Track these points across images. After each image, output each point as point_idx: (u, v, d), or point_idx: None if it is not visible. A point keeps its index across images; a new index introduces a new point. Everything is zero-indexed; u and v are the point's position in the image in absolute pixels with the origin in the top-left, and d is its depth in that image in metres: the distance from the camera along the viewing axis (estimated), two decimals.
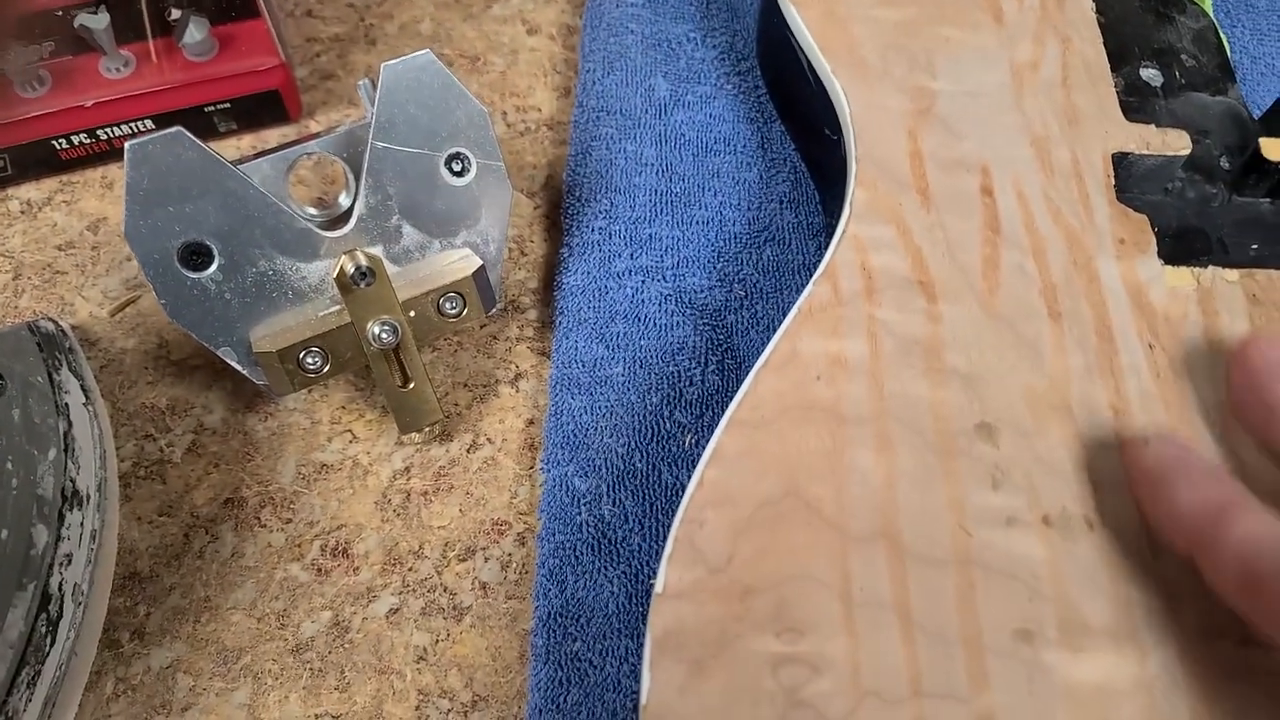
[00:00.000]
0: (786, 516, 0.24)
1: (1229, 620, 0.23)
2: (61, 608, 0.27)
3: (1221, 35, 0.37)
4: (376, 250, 0.30)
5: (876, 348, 0.27)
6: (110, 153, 0.37)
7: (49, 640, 0.27)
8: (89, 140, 0.36)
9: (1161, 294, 0.29)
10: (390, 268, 0.30)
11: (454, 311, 0.30)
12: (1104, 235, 0.30)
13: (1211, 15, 0.38)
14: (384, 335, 0.29)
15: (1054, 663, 0.23)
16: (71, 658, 0.27)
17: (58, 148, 0.36)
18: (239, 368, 0.29)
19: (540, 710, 0.27)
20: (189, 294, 0.28)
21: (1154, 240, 0.30)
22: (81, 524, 0.28)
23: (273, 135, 0.39)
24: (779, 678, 0.22)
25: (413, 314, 0.30)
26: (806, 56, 0.34)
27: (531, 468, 0.32)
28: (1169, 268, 0.30)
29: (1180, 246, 0.30)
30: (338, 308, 0.29)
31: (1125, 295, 0.29)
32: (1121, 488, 0.25)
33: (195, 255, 0.27)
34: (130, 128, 0.36)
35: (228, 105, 0.37)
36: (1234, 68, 0.36)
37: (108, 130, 0.36)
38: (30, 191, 0.37)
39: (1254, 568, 0.20)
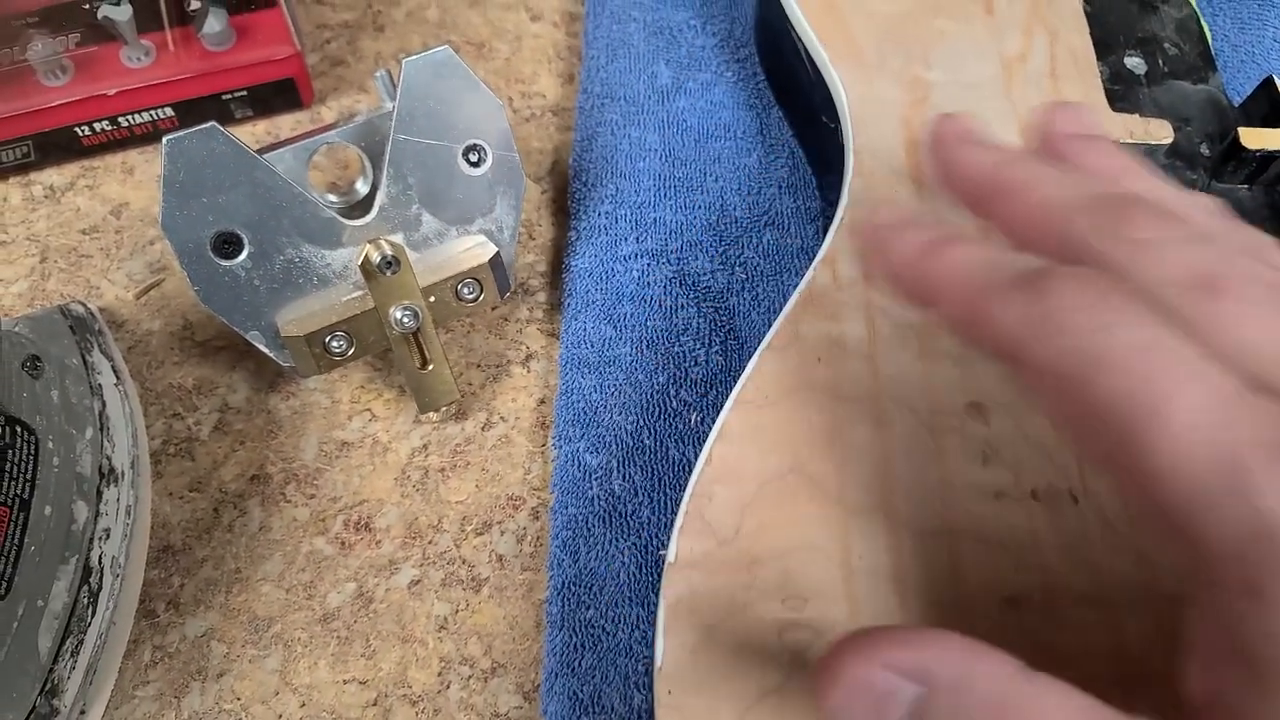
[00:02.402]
0: (790, 491, 0.26)
1: None
2: (101, 580, 0.28)
3: (1203, 23, 0.39)
4: (398, 238, 0.31)
5: (874, 331, 0.29)
6: (131, 139, 0.38)
7: (90, 611, 0.28)
8: (110, 127, 0.37)
9: None
10: (410, 254, 0.31)
11: (471, 296, 0.32)
12: None
13: (1194, 4, 0.39)
14: (406, 320, 0.30)
15: (1039, 628, 0.24)
16: (111, 627, 0.29)
17: (80, 134, 0.37)
18: (267, 351, 0.31)
19: (556, 674, 0.29)
20: (221, 281, 0.29)
21: None
22: (118, 500, 0.30)
23: (286, 121, 0.40)
24: (785, 641, 0.24)
25: (432, 299, 0.31)
26: (805, 47, 0.36)
27: (543, 445, 0.34)
28: None
29: None
30: (360, 293, 0.31)
31: None
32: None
33: (227, 244, 0.28)
34: (150, 115, 0.37)
35: (244, 93, 0.38)
36: (1215, 56, 0.38)
37: (129, 118, 0.37)
38: (53, 177, 0.38)
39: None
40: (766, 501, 0.26)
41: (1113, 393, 0.18)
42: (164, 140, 0.26)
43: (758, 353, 0.28)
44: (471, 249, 0.32)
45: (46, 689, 0.27)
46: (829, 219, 0.32)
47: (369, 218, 0.30)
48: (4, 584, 0.26)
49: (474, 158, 0.31)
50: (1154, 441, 0.17)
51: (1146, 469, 0.17)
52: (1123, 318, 0.18)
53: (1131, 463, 0.17)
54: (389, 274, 0.29)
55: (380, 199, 0.30)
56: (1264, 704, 0.16)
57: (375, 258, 0.29)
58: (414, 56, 0.29)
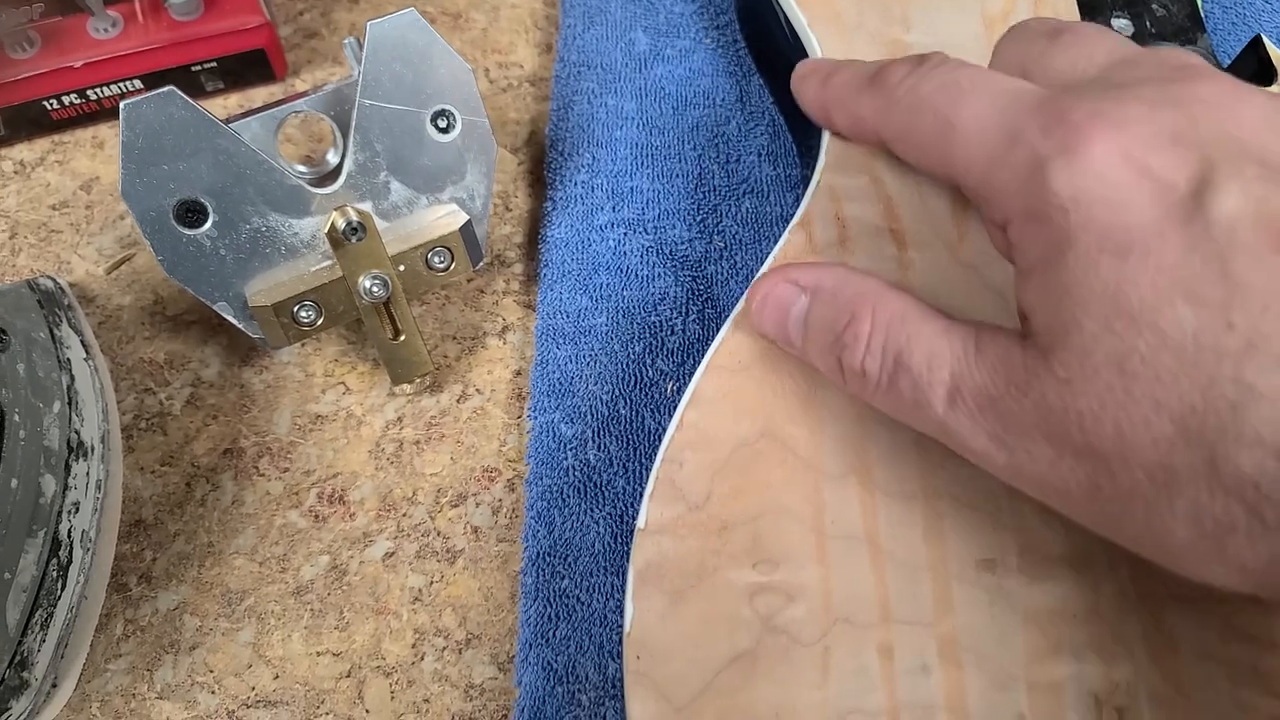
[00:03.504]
0: (763, 455, 0.26)
1: None
2: (71, 553, 0.28)
3: None
4: (366, 206, 0.30)
5: None
6: (100, 113, 0.37)
7: (60, 584, 0.28)
8: (79, 100, 0.37)
9: None
10: (379, 223, 0.31)
11: (442, 266, 0.31)
12: None
13: None
14: (375, 289, 0.30)
15: (1014, 588, 0.24)
16: (82, 601, 0.28)
17: (49, 108, 0.36)
18: (235, 322, 0.30)
19: (531, 644, 0.28)
20: (185, 250, 0.28)
21: None
22: (87, 474, 0.29)
23: (259, 94, 0.40)
24: (755, 606, 0.24)
25: (402, 268, 0.31)
26: (782, 9, 0.35)
27: (519, 417, 0.33)
28: None
29: None
30: (329, 263, 0.30)
31: None
32: None
33: (190, 213, 0.28)
34: (119, 88, 0.37)
35: (214, 64, 0.38)
36: (1204, 17, 0.37)
37: (97, 90, 0.37)
38: (23, 152, 0.37)
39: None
40: (738, 466, 0.25)
41: (928, 129, 0.24)
42: (122, 105, 0.26)
43: (731, 317, 0.28)
44: (442, 217, 0.32)
45: (16, 661, 0.26)
46: (808, 185, 0.32)
47: (336, 186, 0.30)
48: None
49: (443, 123, 0.31)
50: (953, 147, 0.23)
51: (957, 172, 0.24)
52: (927, 73, 0.25)
53: (950, 171, 0.24)
54: (355, 240, 0.29)
55: (348, 166, 0.30)
56: (1057, 259, 0.20)
57: (341, 224, 0.29)
58: (379, 19, 0.29)
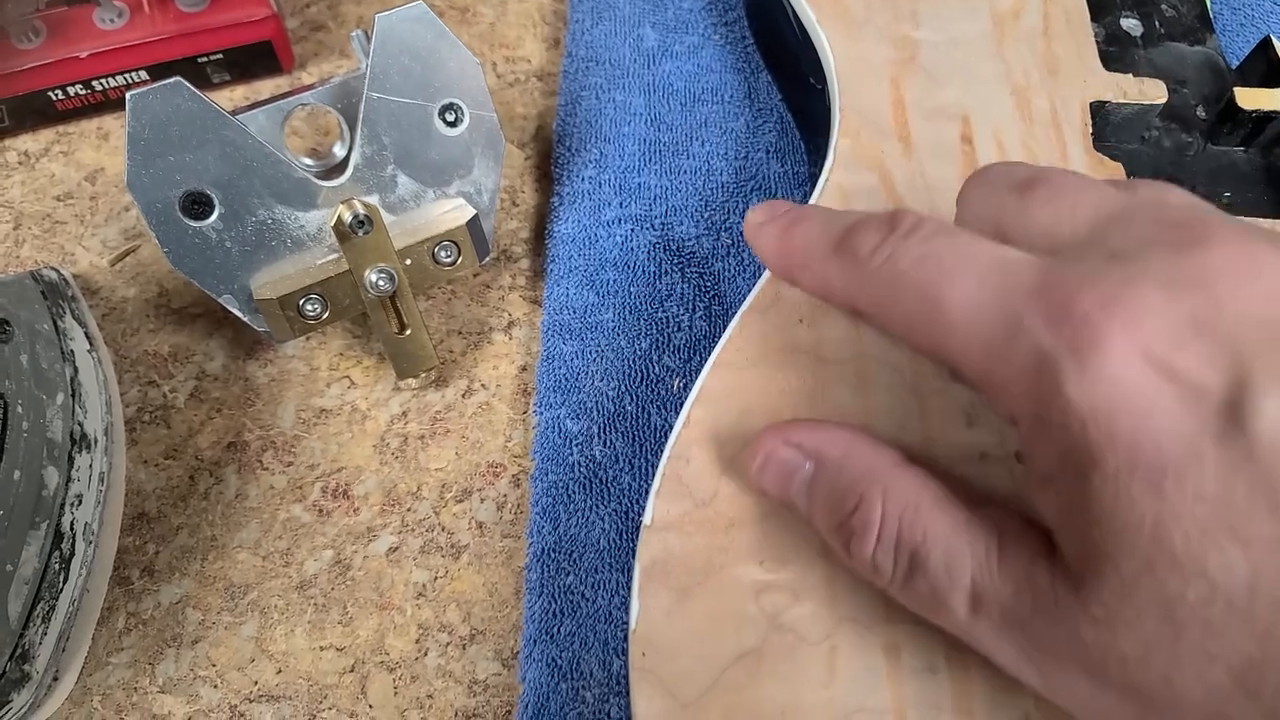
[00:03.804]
0: None
1: None
2: (73, 546, 0.28)
3: None
4: (373, 199, 0.30)
5: None
6: (105, 104, 0.37)
7: (62, 577, 0.28)
8: (85, 91, 0.36)
9: None
10: (386, 217, 0.31)
11: (449, 260, 0.31)
12: None
13: None
14: (381, 283, 0.30)
15: None
16: (84, 594, 0.28)
17: (54, 99, 0.36)
18: (240, 315, 0.30)
19: (535, 640, 0.28)
20: (191, 243, 0.28)
21: None
22: (90, 466, 0.29)
23: (266, 86, 0.40)
24: (761, 604, 0.23)
25: (409, 262, 0.31)
26: (791, 6, 0.35)
27: (525, 412, 0.33)
28: None
29: None
30: (335, 256, 0.30)
31: None
32: None
33: (196, 204, 0.28)
34: (125, 79, 0.37)
35: (220, 56, 0.38)
36: (1213, 18, 0.37)
37: (103, 81, 0.36)
38: (28, 143, 0.37)
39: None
40: (745, 464, 0.25)
41: (911, 309, 0.21)
42: (128, 95, 0.26)
43: (739, 314, 0.28)
44: (449, 211, 0.31)
45: (17, 654, 0.26)
46: (816, 182, 0.32)
47: (343, 178, 0.30)
48: None
49: (450, 117, 0.30)
50: (944, 333, 0.20)
51: (952, 358, 0.20)
52: (901, 244, 0.21)
53: (943, 355, 0.21)
54: (361, 234, 0.29)
55: (355, 159, 0.30)
56: (1080, 480, 0.18)
57: (348, 217, 0.29)
58: (387, 12, 0.29)
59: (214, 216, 0.28)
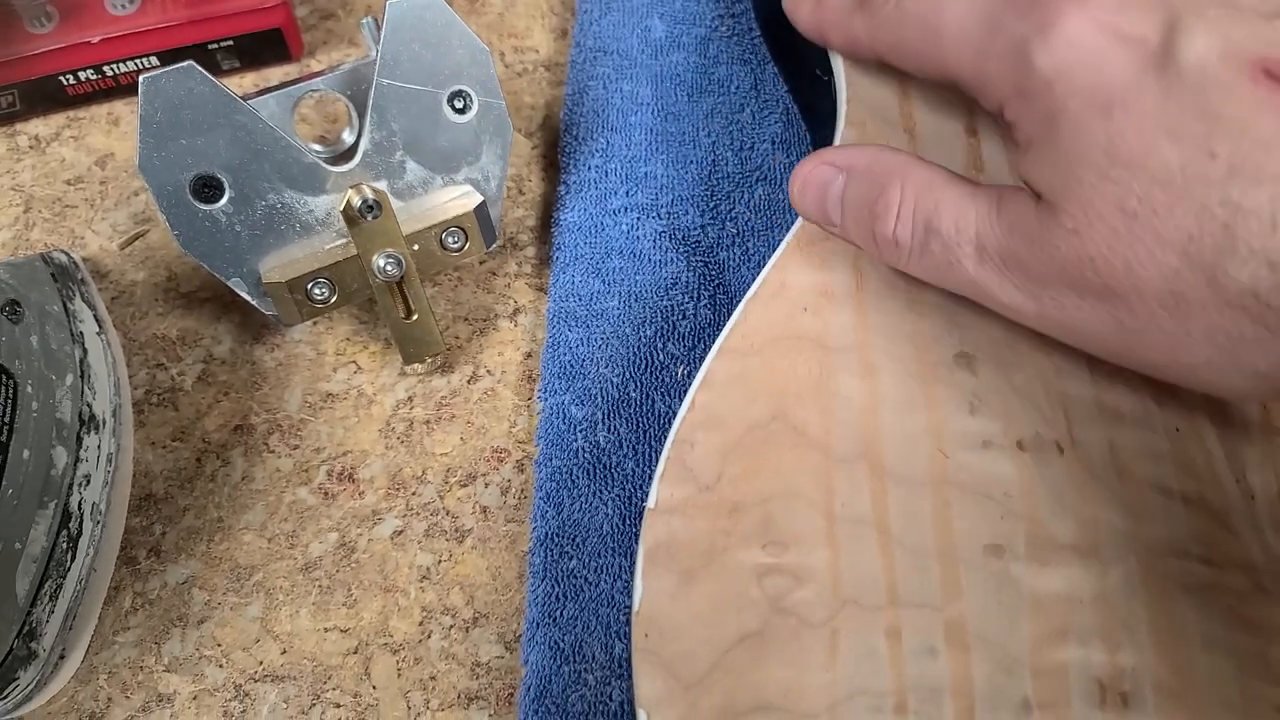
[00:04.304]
0: (774, 438, 0.26)
1: (1190, 539, 0.24)
2: (81, 525, 0.28)
3: None
4: (381, 185, 0.30)
5: (861, 280, 0.28)
6: (116, 89, 0.38)
7: (70, 556, 0.28)
8: (95, 77, 0.37)
9: None
10: (394, 202, 0.31)
11: (456, 246, 0.31)
12: None
13: None
14: (389, 267, 0.30)
15: (1021, 575, 0.24)
16: (91, 573, 0.28)
17: (65, 84, 0.36)
18: (249, 298, 0.30)
19: (538, 624, 0.28)
20: (201, 226, 0.29)
21: None
22: (99, 447, 0.30)
23: (275, 74, 0.40)
24: (764, 587, 0.24)
25: (416, 248, 0.31)
26: None
27: (530, 399, 0.33)
28: None
29: None
30: (343, 241, 0.30)
31: None
32: (1092, 417, 0.26)
33: (207, 188, 0.28)
34: (136, 64, 0.37)
35: (231, 43, 0.38)
36: None
37: (114, 67, 0.37)
38: (38, 127, 0.38)
39: None
40: (749, 448, 0.25)
41: (918, 40, 0.26)
42: (141, 78, 0.26)
43: (744, 301, 0.28)
44: (457, 198, 0.32)
45: (24, 631, 0.27)
46: None
47: (352, 164, 0.30)
48: None
49: (459, 104, 0.31)
50: (943, 51, 0.25)
51: (951, 71, 0.26)
52: None
53: (946, 72, 0.26)
54: (370, 218, 0.29)
55: (364, 145, 0.30)
56: (1052, 127, 0.22)
57: (357, 202, 0.29)
58: None
59: (224, 200, 0.29)
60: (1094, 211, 0.21)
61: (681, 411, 0.26)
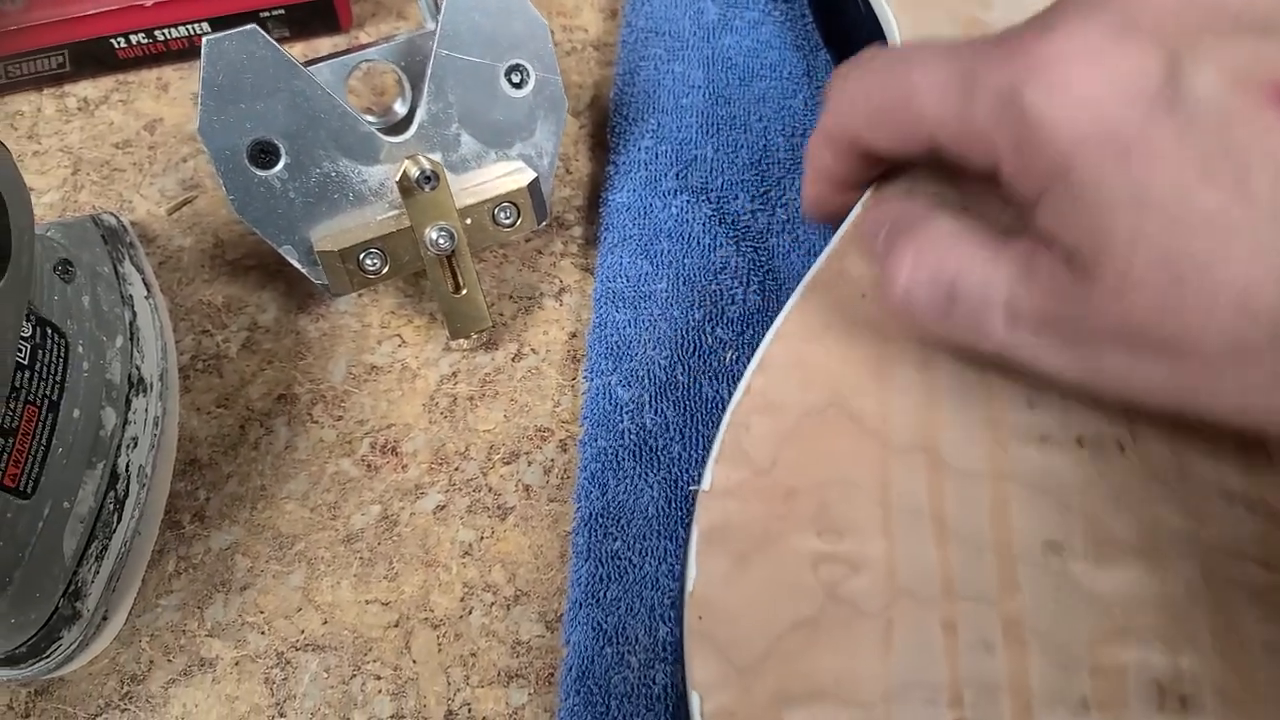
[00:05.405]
0: (830, 425, 0.25)
1: (1251, 543, 0.24)
2: (128, 487, 0.28)
3: None
4: (435, 156, 0.30)
5: None
6: (166, 55, 0.37)
7: (116, 517, 0.28)
8: (146, 41, 0.37)
9: None
10: (448, 175, 0.31)
11: (508, 221, 0.31)
12: None
13: None
14: (441, 241, 0.30)
15: (1080, 573, 0.24)
16: (136, 535, 0.28)
17: (116, 46, 0.36)
18: (299, 266, 0.30)
19: (580, 604, 0.28)
20: (256, 191, 0.28)
21: None
22: (146, 410, 0.29)
23: (324, 44, 0.40)
24: (819, 574, 0.23)
25: (469, 221, 0.31)
26: None
27: (574, 378, 0.33)
28: None
29: None
30: (395, 212, 0.30)
31: None
32: (1153, 417, 0.26)
33: (264, 153, 0.28)
34: (186, 30, 0.37)
35: (282, 12, 0.38)
36: None
37: (165, 31, 0.37)
38: (88, 89, 0.37)
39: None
40: (805, 434, 0.25)
41: (892, 106, 0.24)
42: (205, 40, 0.26)
43: (800, 286, 0.28)
44: (510, 173, 0.31)
45: (70, 591, 0.27)
46: None
47: (408, 135, 0.30)
48: (31, 483, 0.26)
49: (516, 78, 0.30)
50: (921, 110, 0.23)
51: (933, 130, 0.23)
52: (866, 64, 0.25)
53: (931, 140, 0.24)
54: (427, 189, 0.29)
55: (420, 116, 0.30)
56: (1064, 182, 0.20)
57: (414, 172, 0.29)
58: None
59: (280, 166, 0.28)
60: (1135, 273, 0.20)
61: (737, 395, 0.26)
